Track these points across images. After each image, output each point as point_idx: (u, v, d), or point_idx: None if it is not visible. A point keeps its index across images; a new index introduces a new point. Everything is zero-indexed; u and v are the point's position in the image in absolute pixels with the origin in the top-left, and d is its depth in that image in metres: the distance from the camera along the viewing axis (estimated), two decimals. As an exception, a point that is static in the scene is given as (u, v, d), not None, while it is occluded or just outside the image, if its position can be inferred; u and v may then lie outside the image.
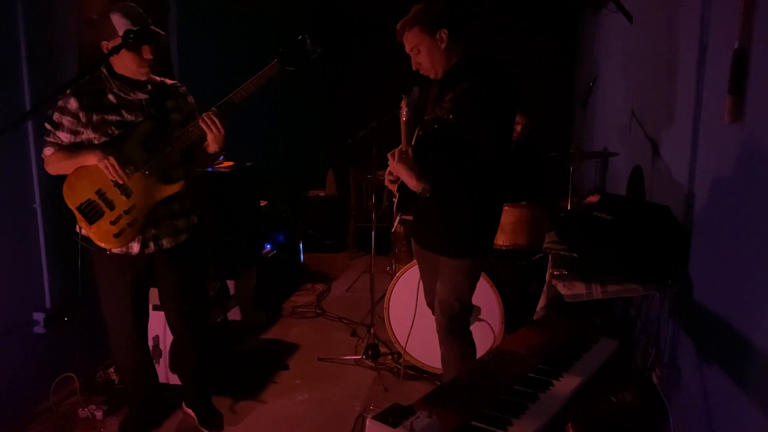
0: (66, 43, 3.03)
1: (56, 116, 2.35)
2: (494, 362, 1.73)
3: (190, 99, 2.57)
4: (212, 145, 2.42)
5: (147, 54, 2.32)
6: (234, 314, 3.82)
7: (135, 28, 2.22)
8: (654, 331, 2.72)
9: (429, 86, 2.41)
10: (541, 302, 2.56)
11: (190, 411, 2.81)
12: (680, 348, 2.42)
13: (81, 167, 2.36)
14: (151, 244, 2.47)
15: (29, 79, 2.79)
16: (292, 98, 6.15)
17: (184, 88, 2.57)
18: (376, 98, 2.37)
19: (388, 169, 2.30)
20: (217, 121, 2.32)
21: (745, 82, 1.80)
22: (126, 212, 2.36)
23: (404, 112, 2.26)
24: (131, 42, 2.18)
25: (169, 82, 2.53)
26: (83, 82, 2.37)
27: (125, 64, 2.33)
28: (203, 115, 2.34)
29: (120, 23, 2.25)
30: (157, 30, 2.33)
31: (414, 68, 2.37)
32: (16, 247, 2.80)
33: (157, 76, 2.51)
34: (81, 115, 2.34)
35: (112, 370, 3.09)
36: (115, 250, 2.42)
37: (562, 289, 2.44)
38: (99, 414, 2.81)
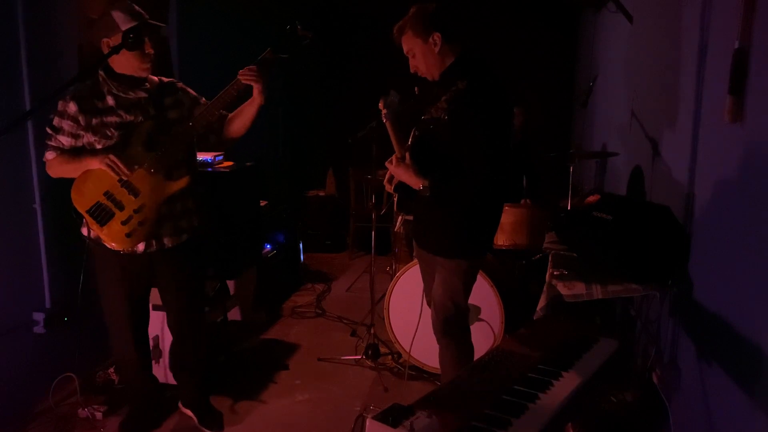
0: (66, 43, 3.03)
1: (56, 120, 2.36)
2: (494, 362, 1.73)
3: (190, 91, 2.58)
4: (258, 99, 2.44)
5: (148, 48, 2.33)
6: (234, 314, 3.81)
7: (134, 24, 2.24)
8: (654, 331, 2.72)
9: (430, 87, 2.42)
10: (541, 302, 2.55)
11: (187, 411, 2.81)
12: (680, 348, 2.42)
13: (86, 171, 2.37)
14: (153, 242, 2.47)
15: (29, 80, 2.79)
16: (293, 98, 6.16)
17: (181, 83, 2.57)
18: (377, 98, 2.37)
19: (388, 173, 2.33)
20: (256, 69, 2.36)
21: (745, 82, 1.80)
22: (136, 211, 2.37)
23: (383, 113, 2.30)
24: (132, 41, 2.19)
25: (165, 80, 2.54)
26: (82, 85, 2.38)
27: (128, 62, 2.33)
28: (243, 70, 2.36)
29: (121, 19, 2.26)
30: (156, 23, 2.34)
31: (411, 71, 2.37)
32: (16, 247, 2.80)
33: (155, 75, 2.51)
34: (80, 118, 2.35)
35: (112, 370, 3.09)
36: (125, 250, 2.43)
37: (562, 289, 2.44)
38: (99, 414, 2.81)
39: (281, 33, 2.39)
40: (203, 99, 2.57)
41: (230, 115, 2.55)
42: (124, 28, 2.24)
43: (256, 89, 2.41)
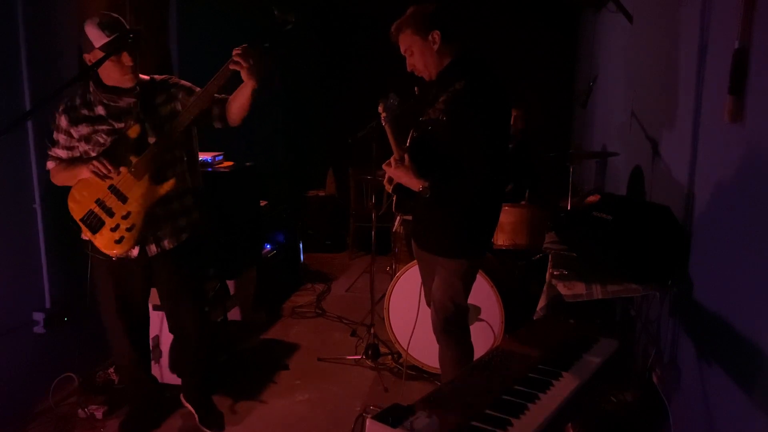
0: (66, 43, 3.03)
1: (54, 134, 2.45)
2: (494, 362, 1.73)
3: (184, 83, 2.52)
4: (249, 83, 2.29)
5: (127, 61, 2.30)
6: (234, 314, 3.82)
7: (110, 38, 2.22)
8: (654, 331, 2.72)
9: (428, 88, 2.41)
10: (541, 302, 2.55)
11: (189, 405, 2.81)
12: (680, 348, 2.42)
13: (80, 180, 2.41)
14: (153, 246, 2.47)
15: (29, 80, 2.79)
16: (293, 98, 6.16)
17: (173, 78, 2.53)
18: (377, 98, 2.37)
19: (387, 174, 2.33)
20: (244, 52, 2.21)
21: (745, 82, 1.80)
22: (123, 218, 2.38)
23: (383, 117, 2.29)
24: (113, 50, 2.21)
25: (158, 78, 2.51)
26: (73, 97, 2.41)
27: (110, 74, 2.34)
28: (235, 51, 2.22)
29: (94, 35, 2.25)
30: (132, 33, 2.29)
31: (408, 70, 2.37)
32: (16, 247, 2.80)
33: (149, 75, 2.50)
34: (72, 131, 2.41)
35: (112, 370, 3.09)
36: (118, 256, 2.43)
37: (562, 289, 2.44)
38: (99, 414, 2.81)
39: (260, 22, 2.31)
40: (198, 89, 2.50)
41: (230, 97, 2.47)
42: (97, 45, 2.24)
43: (243, 74, 2.27)
